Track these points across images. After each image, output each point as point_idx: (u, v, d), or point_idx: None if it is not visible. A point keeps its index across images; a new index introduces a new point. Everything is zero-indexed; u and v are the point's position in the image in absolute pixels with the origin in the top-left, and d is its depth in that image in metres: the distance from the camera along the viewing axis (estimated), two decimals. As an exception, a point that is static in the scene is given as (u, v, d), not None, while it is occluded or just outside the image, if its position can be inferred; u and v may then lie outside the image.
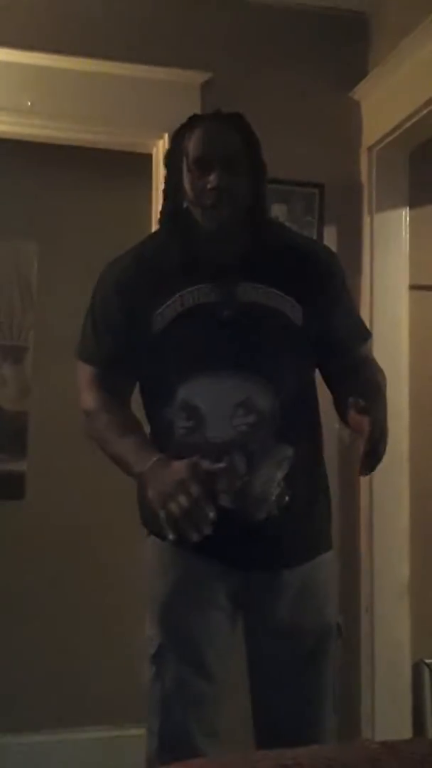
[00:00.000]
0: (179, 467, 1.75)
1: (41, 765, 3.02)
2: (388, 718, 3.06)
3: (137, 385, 2.02)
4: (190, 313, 1.87)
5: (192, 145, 1.87)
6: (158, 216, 2.02)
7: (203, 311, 1.87)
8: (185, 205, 1.91)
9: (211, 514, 1.70)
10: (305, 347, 1.92)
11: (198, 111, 2.80)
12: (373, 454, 1.69)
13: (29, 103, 2.97)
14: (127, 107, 3.06)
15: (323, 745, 1.75)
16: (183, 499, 1.71)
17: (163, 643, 1.89)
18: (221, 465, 1.76)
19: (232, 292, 1.88)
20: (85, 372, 2.01)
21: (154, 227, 3.05)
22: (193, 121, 1.92)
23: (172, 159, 1.93)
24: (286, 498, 1.85)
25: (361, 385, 1.93)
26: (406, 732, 3.04)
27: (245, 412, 1.84)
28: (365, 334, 2.10)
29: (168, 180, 1.96)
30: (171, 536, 1.75)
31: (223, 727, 1.93)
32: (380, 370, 2.04)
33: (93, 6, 3.05)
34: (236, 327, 1.87)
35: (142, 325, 1.89)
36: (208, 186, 1.84)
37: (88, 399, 1.99)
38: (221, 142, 1.88)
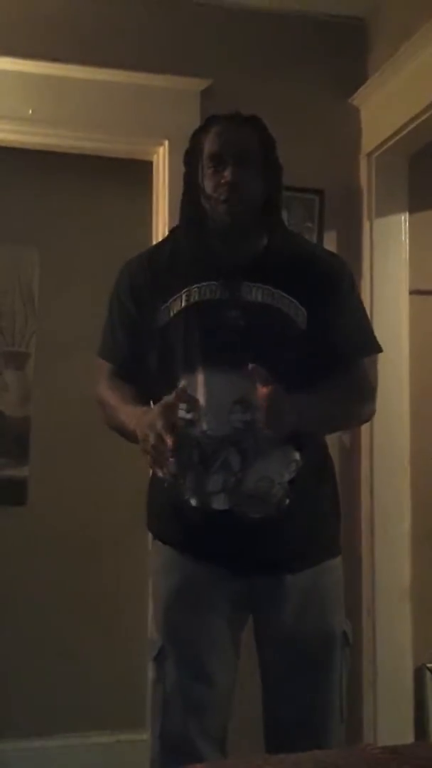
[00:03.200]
0: (153, 410, 1.79)
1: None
2: (390, 722, 3.06)
3: None
4: (196, 309, 1.90)
5: (208, 142, 1.92)
6: (178, 213, 2.04)
7: (208, 307, 1.90)
8: (202, 202, 1.94)
9: (169, 441, 1.72)
10: (308, 351, 1.91)
11: (198, 118, 2.82)
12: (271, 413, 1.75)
13: (30, 111, 2.98)
14: (128, 115, 3.07)
15: (325, 750, 1.75)
16: (152, 437, 1.74)
17: (164, 647, 1.90)
18: (179, 390, 1.81)
19: (238, 291, 1.90)
20: (101, 367, 2.05)
21: (155, 233, 3.08)
22: (210, 121, 1.98)
23: (189, 158, 1.97)
24: (287, 501, 1.86)
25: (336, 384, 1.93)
26: (407, 736, 3.04)
27: (243, 409, 1.84)
28: (370, 348, 2.06)
29: (186, 179, 1.99)
30: (161, 475, 1.80)
31: (233, 733, 1.93)
32: (367, 382, 2.03)
33: (93, 15, 3.06)
34: (240, 326, 1.89)
35: (150, 318, 1.93)
36: (222, 181, 1.89)
37: (100, 388, 2.02)
38: (236, 139, 1.93)
